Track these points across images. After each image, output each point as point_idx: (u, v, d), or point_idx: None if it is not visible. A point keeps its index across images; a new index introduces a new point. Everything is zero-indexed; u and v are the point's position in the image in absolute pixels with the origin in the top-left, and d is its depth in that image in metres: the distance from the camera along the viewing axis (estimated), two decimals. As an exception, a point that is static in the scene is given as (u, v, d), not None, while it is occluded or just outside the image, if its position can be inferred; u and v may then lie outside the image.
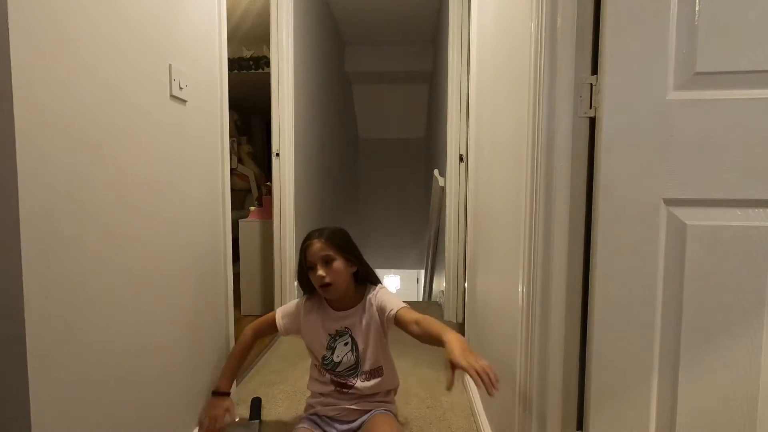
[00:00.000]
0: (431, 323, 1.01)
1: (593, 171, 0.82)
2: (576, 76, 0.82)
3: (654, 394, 0.81)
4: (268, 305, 2.45)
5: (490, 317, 1.31)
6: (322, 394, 1.24)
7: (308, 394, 1.30)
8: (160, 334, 1.04)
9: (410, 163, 5.87)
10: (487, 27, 1.40)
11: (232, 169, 3.45)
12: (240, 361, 1.31)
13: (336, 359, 1.20)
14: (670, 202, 0.78)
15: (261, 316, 1.34)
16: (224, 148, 1.40)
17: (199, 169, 1.24)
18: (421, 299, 4.90)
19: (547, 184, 0.85)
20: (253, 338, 1.31)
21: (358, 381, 1.20)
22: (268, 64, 2.75)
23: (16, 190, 0.64)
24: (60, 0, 0.73)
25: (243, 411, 1.43)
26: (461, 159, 2.36)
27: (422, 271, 5.14)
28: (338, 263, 1.15)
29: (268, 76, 2.30)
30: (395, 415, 1.24)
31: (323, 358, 1.22)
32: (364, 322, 1.19)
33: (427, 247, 4.11)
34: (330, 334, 1.21)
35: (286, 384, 1.67)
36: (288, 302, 1.33)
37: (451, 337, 0.91)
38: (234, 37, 3.01)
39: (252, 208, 2.78)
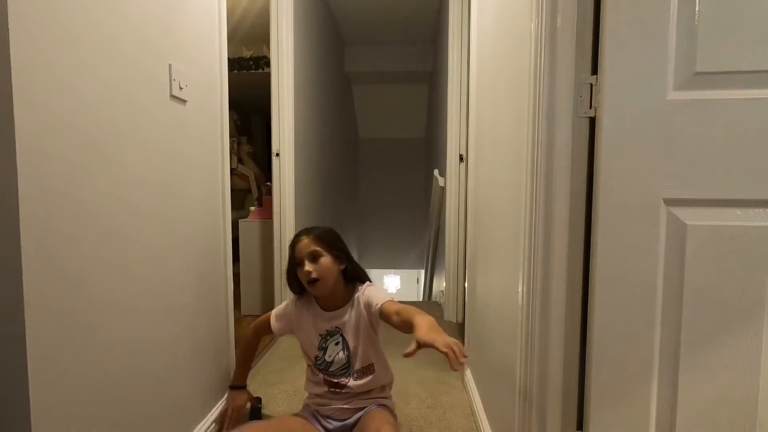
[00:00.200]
0: (408, 311, 1.00)
1: (593, 171, 0.82)
2: (576, 76, 0.82)
3: (654, 394, 0.81)
4: (268, 305, 2.45)
5: (490, 317, 1.31)
6: (317, 395, 1.24)
7: (306, 394, 1.30)
8: (160, 334, 1.04)
9: (410, 163, 5.87)
10: (487, 27, 1.40)
11: (232, 169, 3.45)
12: (246, 357, 1.37)
13: (328, 359, 1.21)
14: (670, 202, 0.78)
15: (261, 315, 1.35)
16: (224, 148, 1.40)
17: (199, 169, 1.24)
18: (421, 299, 4.90)
19: (547, 184, 0.85)
20: (254, 337, 1.34)
21: (351, 380, 1.20)
22: (268, 64, 2.75)
23: (16, 190, 0.64)
24: (60, 0, 0.73)
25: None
26: (461, 159, 2.36)
27: (422, 271, 5.14)
28: (326, 259, 1.15)
29: (268, 76, 2.30)
30: (391, 410, 1.24)
31: (316, 358, 1.22)
32: (353, 321, 1.19)
33: (427, 247, 4.11)
34: (321, 335, 1.22)
35: (286, 384, 1.67)
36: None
37: (420, 319, 0.91)
38: (234, 37, 3.01)
39: (252, 208, 2.78)
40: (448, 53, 2.38)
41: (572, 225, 0.84)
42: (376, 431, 1.07)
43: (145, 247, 0.98)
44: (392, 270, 6.96)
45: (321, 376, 1.22)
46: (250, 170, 4.42)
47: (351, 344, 1.20)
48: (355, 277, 1.24)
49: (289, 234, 2.32)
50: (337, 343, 1.20)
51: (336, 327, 1.21)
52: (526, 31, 0.91)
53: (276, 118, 2.27)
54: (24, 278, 0.66)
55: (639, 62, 0.77)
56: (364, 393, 1.21)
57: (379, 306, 1.12)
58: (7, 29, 0.62)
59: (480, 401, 1.42)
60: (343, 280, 1.21)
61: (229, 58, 1.43)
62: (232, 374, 1.43)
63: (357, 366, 1.20)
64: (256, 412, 1.40)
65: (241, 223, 2.63)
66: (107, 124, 0.85)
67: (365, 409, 1.20)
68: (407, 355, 0.81)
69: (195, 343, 1.22)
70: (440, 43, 3.46)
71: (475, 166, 1.62)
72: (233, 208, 1.62)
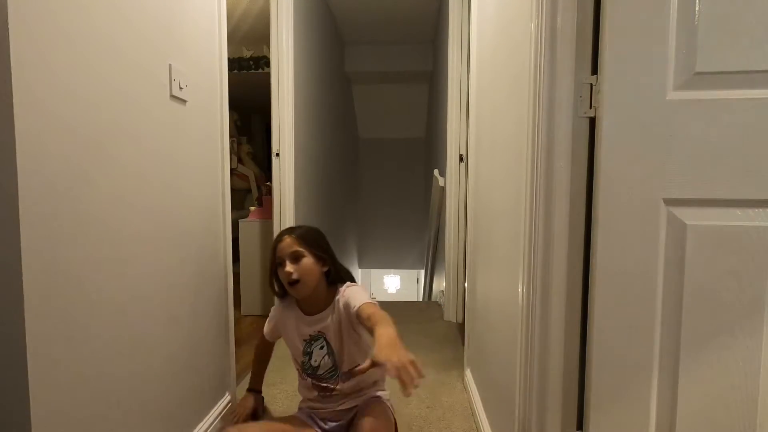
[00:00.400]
0: (375, 318, 0.97)
1: (593, 171, 0.82)
2: (576, 76, 0.82)
3: (654, 394, 0.81)
4: (268, 305, 2.44)
5: (490, 317, 1.31)
6: (309, 399, 1.24)
7: (300, 398, 1.30)
8: (160, 334, 1.04)
9: (410, 163, 5.87)
10: (487, 27, 1.40)
11: (232, 169, 3.46)
12: (258, 359, 1.40)
13: (314, 364, 1.19)
14: (670, 202, 0.78)
15: (261, 316, 1.36)
16: (224, 148, 1.40)
17: (199, 169, 1.24)
18: (421, 299, 4.90)
19: (547, 184, 0.85)
20: (261, 340, 1.36)
21: (339, 383, 1.18)
22: (268, 64, 2.75)
23: (16, 190, 0.64)
24: (60, 0, 0.73)
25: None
26: (461, 159, 2.36)
27: (422, 271, 5.14)
28: (307, 260, 1.12)
29: (268, 76, 2.30)
30: (385, 401, 1.21)
31: (302, 363, 1.20)
32: (335, 324, 1.16)
33: (427, 247, 4.11)
34: (305, 340, 1.19)
35: (286, 384, 1.67)
36: None
37: (381, 331, 0.88)
38: (234, 37, 3.02)
39: (252, 208, 2.78)
40: (448, 53, 2.38)
41: (572, 225, 0.84)
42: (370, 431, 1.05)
43: (145, 247, 0.98)
44: (392, 270, 6.96)
45: (309, 380, 1.21)
46: (250, 170, 4.43)
47: (335, 348, 1.17)
48: (338, 279, 1.20)
49: (289, 234, 2.32)
50: (321, 348, 1.18)
51: (318, 331, 1.18)
52: (525, 31, 0.91)
53: (276, 118, 2.27)
54: (24, 278, 0.66)
55: (639, 62, 0.77)
56: (355, 392, 1.20)
57: (356, 308, 1.07)
58: (7, 29, 0.62)
59: (480, 401, 1.42)
60: (325, 282, 1.18)
61: (229, 58, 1.43)
62: (232, 374, 1.45)
63: (344, 369, 1.18)
64: (256, 414, 1.40)
65: (241, 223, 2.63)
66: (107, 124, 0.85)
67: (360, 406, 1.18)
68: (360, 372, 0.82)
69: (195, 343, 1.22)
70: (440, 43, 3.47)
71: (475, 166, 1.62)
72: (233, 208, 1.62)
